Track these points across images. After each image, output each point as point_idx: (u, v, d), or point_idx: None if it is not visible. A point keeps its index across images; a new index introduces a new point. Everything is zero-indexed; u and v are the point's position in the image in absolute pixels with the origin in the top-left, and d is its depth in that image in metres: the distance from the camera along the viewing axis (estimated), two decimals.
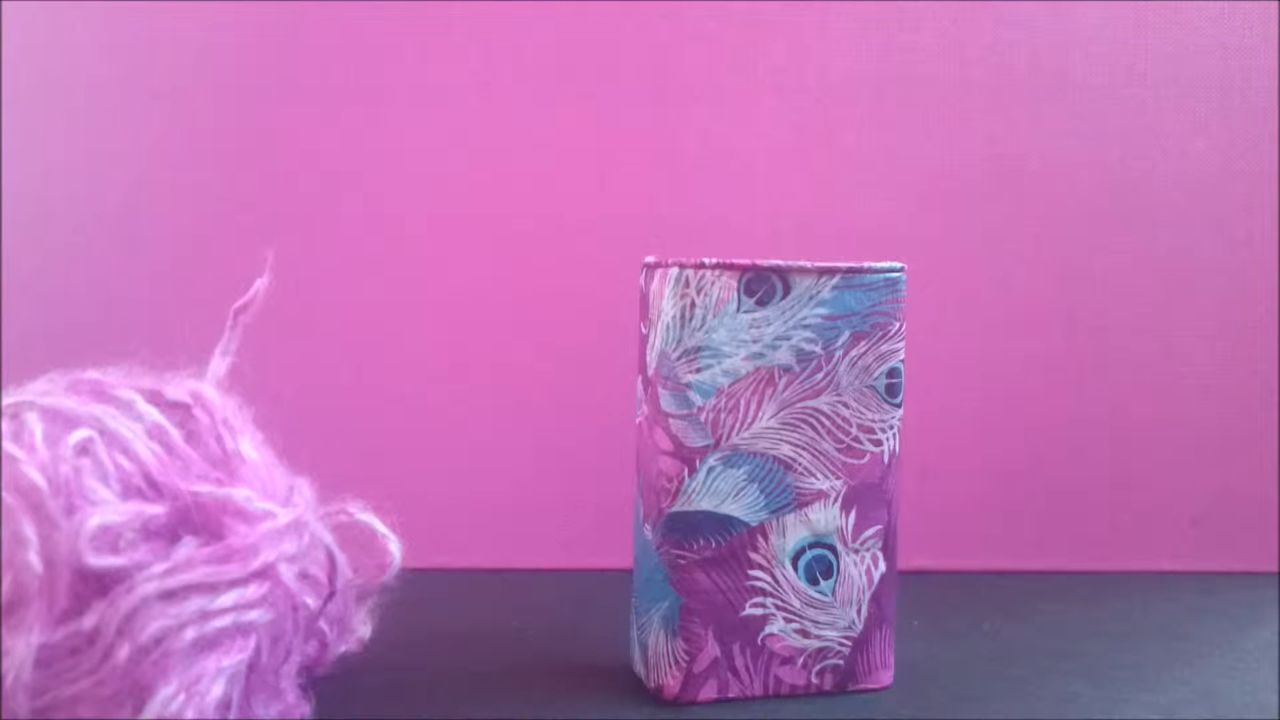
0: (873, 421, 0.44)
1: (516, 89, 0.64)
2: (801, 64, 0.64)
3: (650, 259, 0.44)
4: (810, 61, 0.65)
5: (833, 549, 0.44)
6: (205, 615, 0.34)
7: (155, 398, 0.38)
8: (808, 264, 0.43)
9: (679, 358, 0.43)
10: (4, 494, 0.33)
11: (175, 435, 0.37)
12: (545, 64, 0.64)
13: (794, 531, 0.44)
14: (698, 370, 0.43)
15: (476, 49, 0.64)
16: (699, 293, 0.42)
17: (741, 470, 0.43)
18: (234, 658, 0.35)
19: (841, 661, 0.45)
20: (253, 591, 0.35)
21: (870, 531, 0.45)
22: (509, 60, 0.64)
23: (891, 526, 0.45)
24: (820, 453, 0.44)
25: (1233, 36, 0.65)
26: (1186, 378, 0.66)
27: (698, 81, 0.64)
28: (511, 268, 0.64)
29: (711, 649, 0.43)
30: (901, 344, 0.45)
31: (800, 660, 0.44)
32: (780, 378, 0.43)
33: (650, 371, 0.44)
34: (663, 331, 0.43)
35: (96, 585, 0.33)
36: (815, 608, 0.44)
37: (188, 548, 0.35)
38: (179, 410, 0.38)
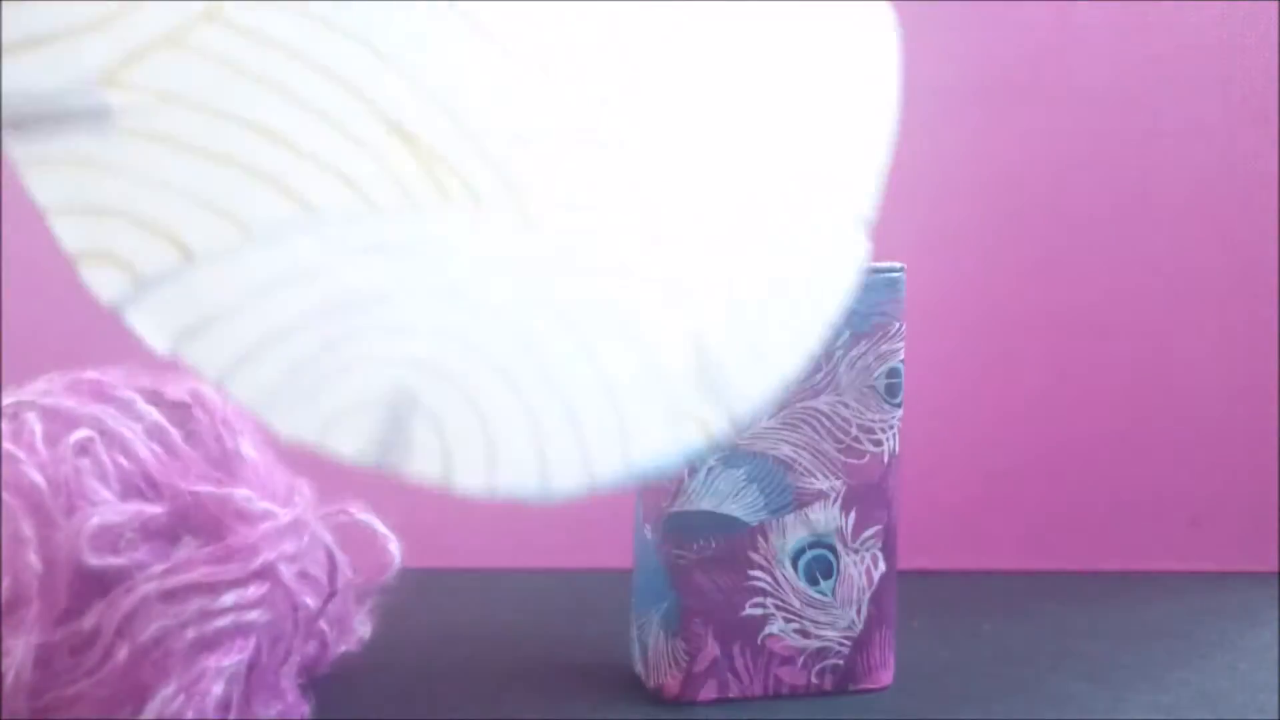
0: (873, 421, 0.44)
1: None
2: None
3: None
4: None
5: (833, 549, 0.44)
6: (205, 615, 0.34)
7: (155, 398, 0.38)
8: None
9: None
10: (4, 494, 0.33)
11: (175, 435, 0.37)
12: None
13: (794, 531, 0.44)
14: None
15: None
16: None
17: (741, 470, 0.43)
18: (234, 658, 0.35)
19: (841, 661, 0.45)
20: (253, 591, 0.35)
21: (870, 531, 0.45)
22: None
23: (891, 526, 0.45)
24: (820, 453, 0.44)
25: (1233, 36, 0.65)
26: (1186, 378, 0.66)
27: None
28: None
29: (711, 649, 0.43)
30: (901, 344, 0.45)
31: (800, 660, 0.44)
32: None
33: None
34: None
35: (96, 585, 0.33)
36: (815, 608, 0.44)
37: (187, 548, 0.35)
38: (179, 410, 0.38)
